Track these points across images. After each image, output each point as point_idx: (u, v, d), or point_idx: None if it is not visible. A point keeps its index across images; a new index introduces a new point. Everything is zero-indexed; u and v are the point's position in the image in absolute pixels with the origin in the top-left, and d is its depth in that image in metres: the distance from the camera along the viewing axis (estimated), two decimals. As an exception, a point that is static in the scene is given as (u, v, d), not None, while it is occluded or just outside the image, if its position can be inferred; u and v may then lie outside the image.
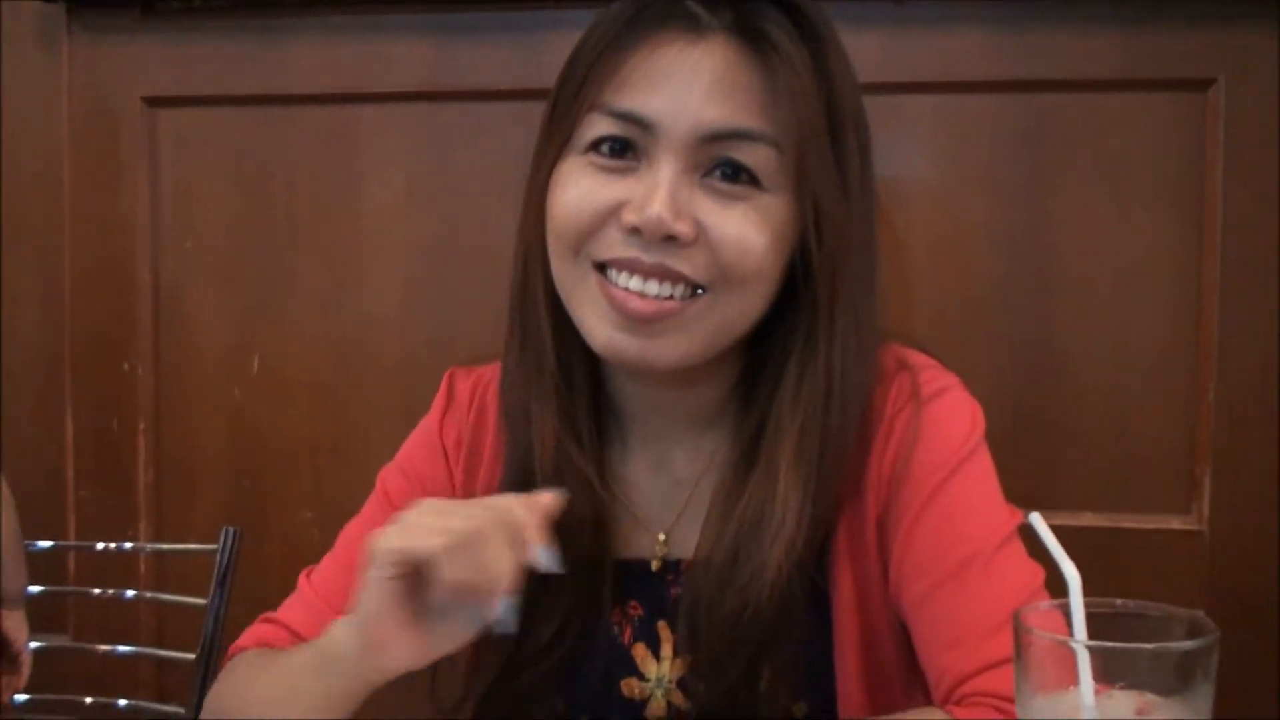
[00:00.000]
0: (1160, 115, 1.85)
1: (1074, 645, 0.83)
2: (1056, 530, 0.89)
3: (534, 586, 1.16)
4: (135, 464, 2.16)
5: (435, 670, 1.24)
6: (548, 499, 0.99)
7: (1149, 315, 1.87)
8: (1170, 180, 1.86)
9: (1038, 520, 0.90)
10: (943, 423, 1.15)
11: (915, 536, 1.12)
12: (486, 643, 1.19)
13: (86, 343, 2.18)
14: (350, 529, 1.29)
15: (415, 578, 0.96)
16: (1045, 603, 0.89)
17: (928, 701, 1.12)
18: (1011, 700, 0.99)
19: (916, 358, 1.20)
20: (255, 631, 1.26)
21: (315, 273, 2.11)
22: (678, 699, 1.21)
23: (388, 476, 1.29)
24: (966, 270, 1.91)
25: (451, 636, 1.00)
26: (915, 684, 1.18)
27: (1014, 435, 1.89)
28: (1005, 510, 1.14)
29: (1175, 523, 1.88)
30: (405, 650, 0.99)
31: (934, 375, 1.18)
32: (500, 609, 0.94)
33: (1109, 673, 0.83)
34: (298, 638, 1.22)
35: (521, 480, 1.17)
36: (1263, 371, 1.84)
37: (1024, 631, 0.85)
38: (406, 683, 1.28)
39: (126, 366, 2.16)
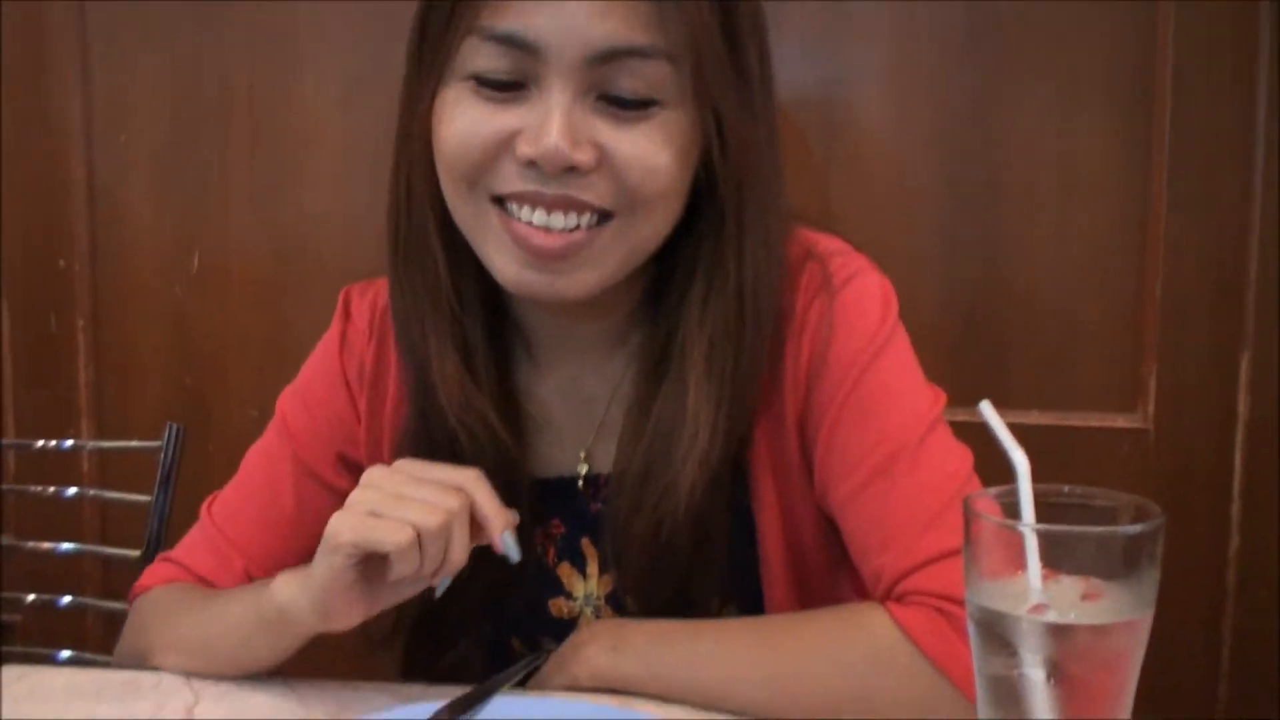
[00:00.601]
0: (1110, 15, 1.83)
1: (1022, 529, 0.83)
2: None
3: None
4: (75, 362, 2.12)
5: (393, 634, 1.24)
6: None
7: (1096, 214, 1.87)
8: (1119, 79, 1.84)
9: (987, 409, 0.89)
10: (855, 311, 1.11)
11: (838, 435, 1.10)
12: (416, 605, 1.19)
13: (20, 240, 2.13)
14: (252, 455, 1.26)
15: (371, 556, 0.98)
16: (994, 489, 0.88)
17: (855, 600, 1.12)
18: (951, 598, 1.00)
19: (823, 243, 1.16)
20: (158, 571, 1.24)
21: (253, 169, 2.07)
22: (608, 615, 1.20)
23: (287, 403, 1.25)
24: (914, 171, 1.90)
25: (399, 592, 1.02)
26: (841, 585, 1.18)
27: (961, 335, 1.89)
28: (927, 393, 1.12)
29: (1121, 420, 1.89)
30: (357, 611, 1.01)
31: (843, 261, 1.13)
32: (503, 545, 1.00)
33: (1056, 558, 0.83)
34: (204, 582, 1.20)
35: (427, 419, 1.14)
36: (1208, 271, 1.85)
37: (972, 516, 0.84)
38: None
39: (62, 264, 2.12)
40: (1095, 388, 1.90)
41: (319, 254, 2.05)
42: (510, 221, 1.04)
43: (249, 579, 1.19)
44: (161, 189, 2.10)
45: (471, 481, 1.00)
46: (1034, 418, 1.88)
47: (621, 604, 1.19)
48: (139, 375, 2.12)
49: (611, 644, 1.09)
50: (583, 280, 1.05)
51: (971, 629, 0.85)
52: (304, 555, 1.18)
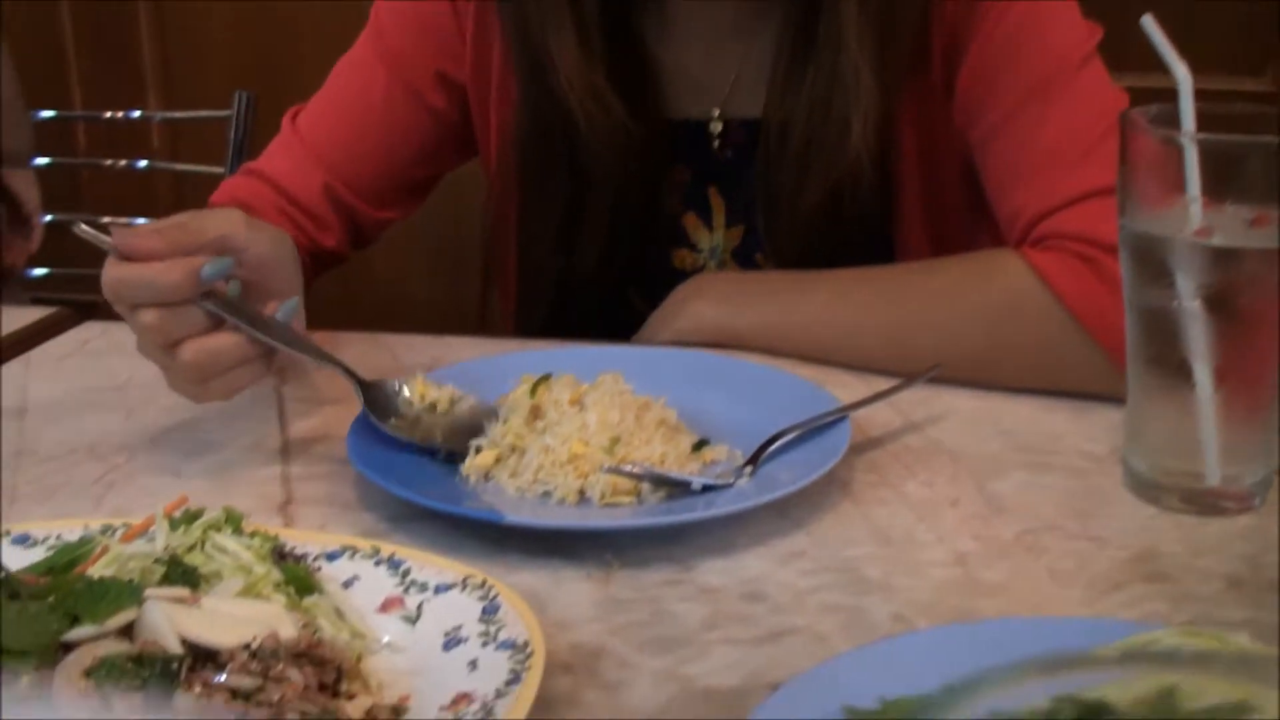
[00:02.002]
0: None
1: (1183, 141, 0.74)
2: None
3: (582, 161, 1.08)
4: (138, 35, 2.04)
5: (485, 294, 1.18)
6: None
7: None
8: None
9: (1149, 23, 0.81)
10: None
11: (988, 56, 1.01)
12: (535, 232, 1.13)
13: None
14: (341, 65, 1.16)
15: None
16: (1155, 106, 0.80)
17: None
18: (1098, 242, 0.92)
19: None
20: (233, 185, 1.13)
21: None
22: (733, 270, 1.14)
23: (384, 10, 1.14)
24: None
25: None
26: (980, 244, 1.11)
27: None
28: (1085, 24, 1.03)
29: (1249, 84, 1.78)
30: None
31: None
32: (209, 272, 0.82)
33: (1221, 183, 0.75)
34: (279, 191, 1.11)
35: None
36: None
37: (1131, 130, 0.76)
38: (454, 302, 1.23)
39: (121, -70, 2.02)
40: (1223, 50, 1.77)
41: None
42: None
43: (328, 195, 1.11)
44: None
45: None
46: (1155, 80, 1.76)
47: (749, 259, 1.13)
48: (206, 44, 2.04)
49: (720, 296, 1.03)
50: None
51: (1125, 259, 0.78)
52: (389, 175, 1.14)
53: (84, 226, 0.84)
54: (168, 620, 0.55)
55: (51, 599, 0.56)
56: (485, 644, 0.59)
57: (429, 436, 0.83)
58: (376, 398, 0.84)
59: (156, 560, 0.62)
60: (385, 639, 0.62)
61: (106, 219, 1.81)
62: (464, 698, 0.56)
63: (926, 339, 0.96)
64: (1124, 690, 0.42)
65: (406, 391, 0.85)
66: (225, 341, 0.83)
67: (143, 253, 0.82)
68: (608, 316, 1.12)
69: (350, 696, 0.56)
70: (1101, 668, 0.38)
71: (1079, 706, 0.40)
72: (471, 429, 0.83)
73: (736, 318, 1.01)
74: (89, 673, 0.52)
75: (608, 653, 0.64)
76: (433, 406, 0.85)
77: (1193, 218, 0.74)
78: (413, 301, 1.29)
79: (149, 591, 0.57)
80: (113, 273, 0.82)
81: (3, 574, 0.59)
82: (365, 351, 1.03)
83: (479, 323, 1.26)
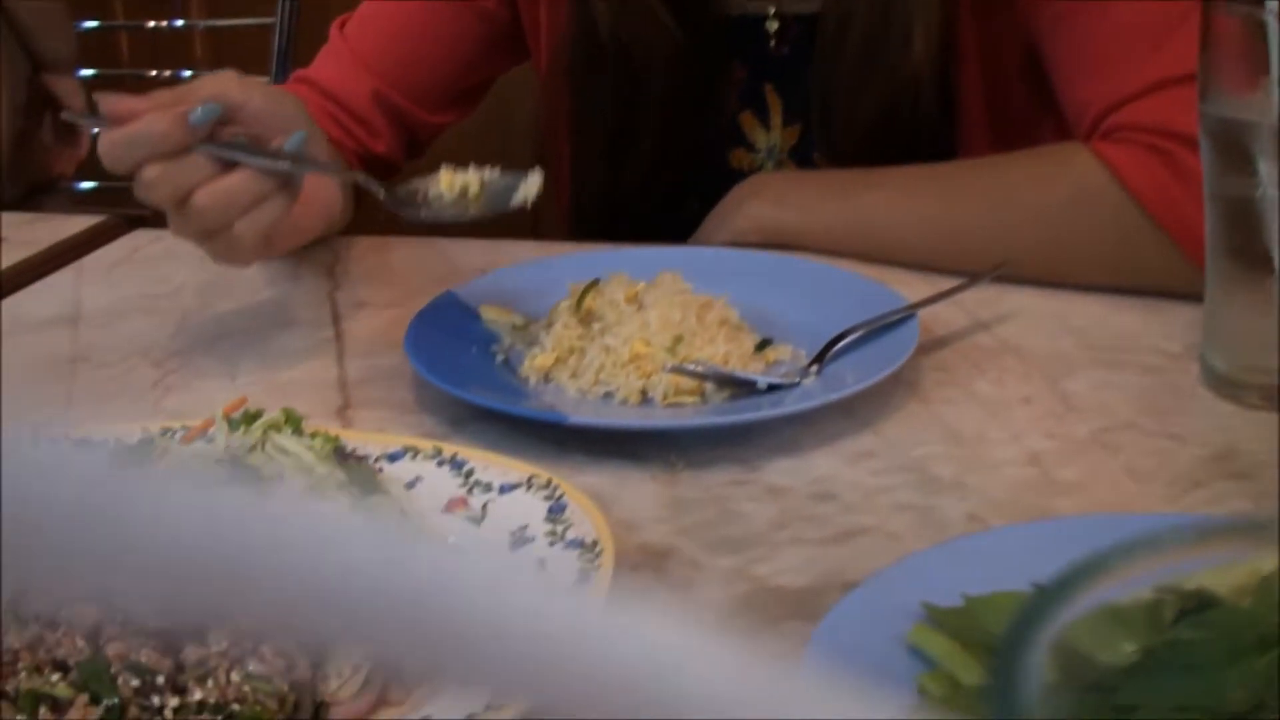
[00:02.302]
0: None
1: (1267, 19, 0.71)
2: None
3: (633, 64, 1.05)
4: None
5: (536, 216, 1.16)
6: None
7: None
8: None
9: None
10: None
11: None
12: (589, 136, 1.10)
13: None
14: None
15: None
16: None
17: None
18: (1172, 133, 0.88)
19: None
20: (290, 90, 1.11)
21: None
22: (790, 169, 1.11)
23: None
24: None
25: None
26: (1044, 140, 1.07)
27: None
28: None
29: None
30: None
31: None
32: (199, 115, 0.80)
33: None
34: (328, 97, 1.09)
35: None
36: None
37: (1212, 9, 0.73)
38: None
39: None
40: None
41: None
42: None
43: (377, 101, 1.10)
44: None
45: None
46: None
47: (806, 159, 1.10)
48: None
49: (777, 196, 1.01)
50: None
51: (1206, 148, 0.75)
52: (439, 79, 1.12)
53: (67, 113, 0.83)
54: (232, 519, 0.54)
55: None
56: (553, 543, 0.58)
57: (462, 214, 0.82)
58: (403, 196, 0.84)
59: (217, 461, 0.61)
60: (451, 539, 0.61)
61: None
62: (534, 596, 0.55)
63: (991, 237, 0.93)
64: (1220, 578, 0.40)
65: (434, 189, 0.84)
66: (236, 179, 0.81)
67: (132, 114, 0.80)
68: (664, 220, 1.10)
69: (417, 596, 0.55)
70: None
71: (1182, 597, 0.39)
72: (505, 196, 0.82)
73: (794, 218, 0.99)
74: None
75: (676, 552, 0.63)
76: (464, 191, 0.83)
77: (1277, 101, 0.72)
78: (464, 207, 1.27)
79: (212, 491, 0.56)
80: (106, 138, 0.81)
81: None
82: (419, 255, 1.01)
83: (532, 229, 1.23)
